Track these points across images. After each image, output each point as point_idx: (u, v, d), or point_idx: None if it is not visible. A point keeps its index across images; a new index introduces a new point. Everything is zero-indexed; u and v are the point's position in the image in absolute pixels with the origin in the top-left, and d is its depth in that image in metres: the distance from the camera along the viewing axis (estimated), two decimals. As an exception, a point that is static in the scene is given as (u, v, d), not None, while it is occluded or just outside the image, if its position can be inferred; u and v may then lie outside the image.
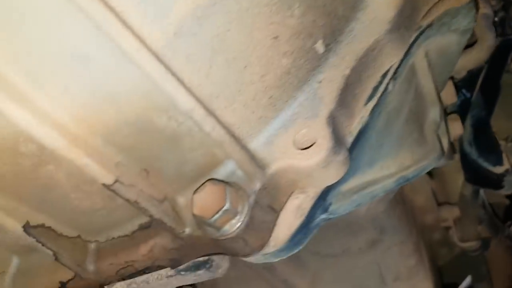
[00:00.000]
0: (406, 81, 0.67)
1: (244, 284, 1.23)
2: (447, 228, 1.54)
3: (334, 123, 0.54)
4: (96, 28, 0.38)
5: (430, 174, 1.36)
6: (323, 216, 0.60)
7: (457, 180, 1.45)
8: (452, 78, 1.11)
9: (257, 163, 0.54)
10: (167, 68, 0.43)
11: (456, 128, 1.06)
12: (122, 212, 0.57)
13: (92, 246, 0.59)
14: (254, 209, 0.54)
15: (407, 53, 0.62)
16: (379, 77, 0.60)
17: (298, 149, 0.53)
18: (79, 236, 0.58)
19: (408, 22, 0.60)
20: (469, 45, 1.16)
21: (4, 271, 0.63)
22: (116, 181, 0.48)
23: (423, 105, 0.76)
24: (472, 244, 1.48)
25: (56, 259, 0.55)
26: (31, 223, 0.53)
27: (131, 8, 0.39)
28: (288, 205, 0.56)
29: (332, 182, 0.55)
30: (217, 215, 0.51)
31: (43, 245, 0.54)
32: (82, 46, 0.40)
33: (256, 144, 0.54)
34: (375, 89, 0.59)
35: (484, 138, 1.26)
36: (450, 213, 1.48)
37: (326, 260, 1.19)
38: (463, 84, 1.37)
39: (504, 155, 1.25)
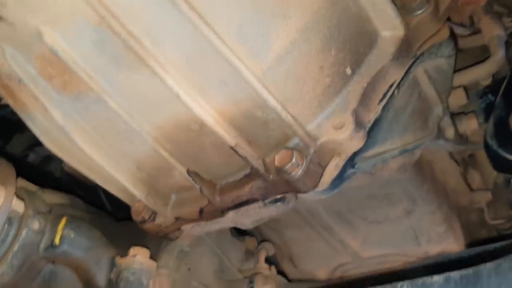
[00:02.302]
0: (410, 89, 1.05)
1: (310, 242, 1.63)
2: (482, 210, 1.83)
3: (356, 115, 0.93)
4: (233, 68, 0.81)
5: (457, 162, 1.68)
6: (351, 170, 0.99)
7: (492, 171, 1.75)
8: (465, 87, 1.43)
9: (311, 138, 0.94)
10: (263, 85, 0.85)
11: (472, 124, 1.40)
12: (235, 167, 1.00)
13: (218, 186, 1.03)
14: (310, 164, 0.94)
15: (407, 72, 1.00)
16: (387, 87, 0.98)
17: (335, 129, 0.93)
18: (211, 180, 1.03)
19: (405, 53, 0.98)
20: (485, 59, 1.48)
21: (166, 203, 1.10)
22: (236, 145, 0.91)
23: (427, 105, 1.12)
24: (502, 222, 1.76)
25: (201, 191, 1.00)
26: (190, 169, 0.98)
27: (248, 58, 0.82)
28: (331, 163, 0.96)
29: (356, 150, 0.94)
30: (288, 165, 0.91)
31: (196, 182, 0.98)
32: (226, 76, 0.83)
33: (310, 127, 0.94)
34: (385, 94, 0.97)
35: (503, 133, 1.57)
36: (483, 197, 1.77)
37: (372, 225, 1.55)
38: (489, 90, 1.70)
39: (518, 148, 1.54)
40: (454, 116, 1.40)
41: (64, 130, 0.92)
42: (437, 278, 0.62)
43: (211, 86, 0.85)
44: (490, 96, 1.70)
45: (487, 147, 1.60)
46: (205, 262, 1.38)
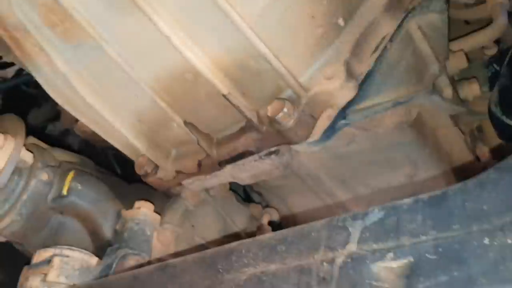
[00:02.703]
0: (403, 43, 1.06)
1: (313, 208, 1.65)
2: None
3: (348, 66, 0.95)
4: (224, 14, 0.84)
5: (462, 132, 1.67)
6: (343, 121, 1.02)
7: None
8: (466, 54, 1.43)
9: (303, 89, 0.97)
10: (255, 33, 0.88)
11: (474, 89, 1.41)
12: (230, 120, 1.04)
13: (215, 139, 1.07)
14: (301, 115, 0.96)
15: (399, 26, 1.02)
16: (380, 39, 1.00)
17: (326, 79, 0.96)
18: (208, 134, 1.07)
19: (397, 6, 1.00)
20: (486, 25, 1.48)
21: (167, 156, 1.14)
22: (229, 93, 0.94)
23: (423, 62, 1.13)
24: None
25: (198, 143, 1.04)
26: (187, 121, 1.02)
27: (239, 3, 0.84)
28: (323, 114, 0.98)
29: (348, 100, 0.96)
30: (280, 114, 0.94)
31: (193, 133, 1.02)
32: (217, 23, 0.86)
33: (303, 78, 0.97)
34: (377, 46, 1.00)
35: (507, 101, 1.57)
36: (490, 164, 1.77)
37: (376, 191, 1.57)
38: (495, 60, 1.70)
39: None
40: (456, 82, 1.41)
41: (66, 77, 0.97)
42: (407, 200, 0.64)
43: (203, 33, 0.89)
44: (495, 66, 1.70)
45: (491, 114, 1.60)
46: (209, 222, 1.42)
